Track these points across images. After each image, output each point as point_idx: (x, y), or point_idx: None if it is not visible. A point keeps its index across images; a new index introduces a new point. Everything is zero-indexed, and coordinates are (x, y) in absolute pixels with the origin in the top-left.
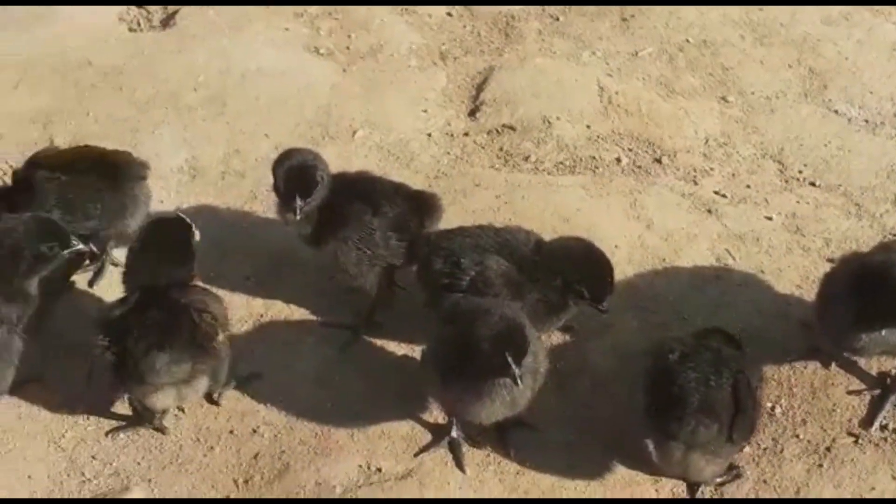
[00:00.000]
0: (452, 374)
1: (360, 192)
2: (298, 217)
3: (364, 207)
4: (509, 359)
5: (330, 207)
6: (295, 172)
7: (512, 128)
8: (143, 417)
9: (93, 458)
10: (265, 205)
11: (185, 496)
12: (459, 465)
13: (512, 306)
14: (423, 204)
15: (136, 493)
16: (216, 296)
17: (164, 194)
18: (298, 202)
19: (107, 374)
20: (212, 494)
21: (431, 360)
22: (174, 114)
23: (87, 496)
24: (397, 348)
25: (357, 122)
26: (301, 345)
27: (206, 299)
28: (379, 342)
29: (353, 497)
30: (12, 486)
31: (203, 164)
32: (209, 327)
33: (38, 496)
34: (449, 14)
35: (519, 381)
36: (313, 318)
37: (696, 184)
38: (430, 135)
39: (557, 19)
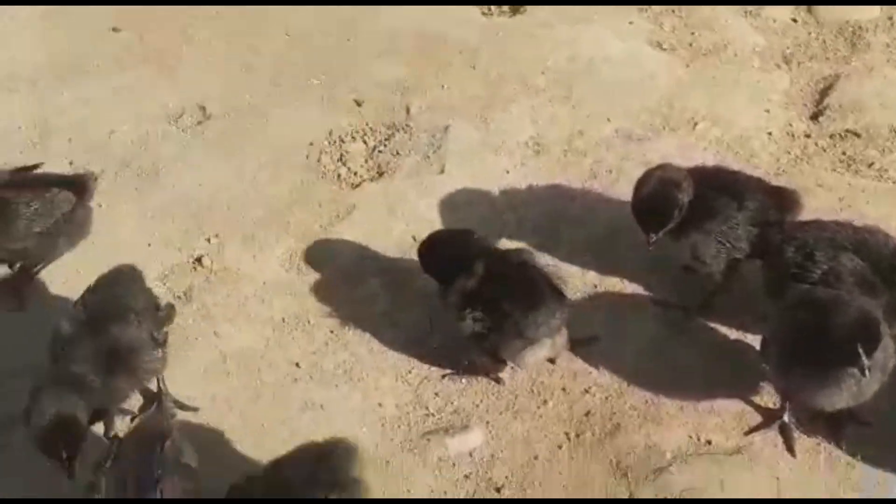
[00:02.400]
0: (798, 360)
1: (723, 185)
2: (650, 248)
3: (729, 201)
4: (860, 350)
5: (692, 201)
6: (650, 204)
7: (856, 134)
8: (482, 369)
9: (436, 395)
10: (604, 184)
11: (519, 440)
12: (790, 448)
13: (868, 301)
14: (783, 199)
15: (475, 432)
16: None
17: (510, 166)
18: (651, 237)
19: (474, 345)
20: (545, 442)
21: (774, 345)
22: (523, 93)
23: (431, 428)
24: (729, 332)
25: (699, 114)
26: (633, 317)
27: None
28: (711, 324)
29: (682, 464)
30: (364, 411)
31: (547, 141)
32: (560, 283)
33: (387, 424)
34: (794, 20)
35: (867, 373)
36: (645, 293)
37: None
38: (770, 133)
39: None
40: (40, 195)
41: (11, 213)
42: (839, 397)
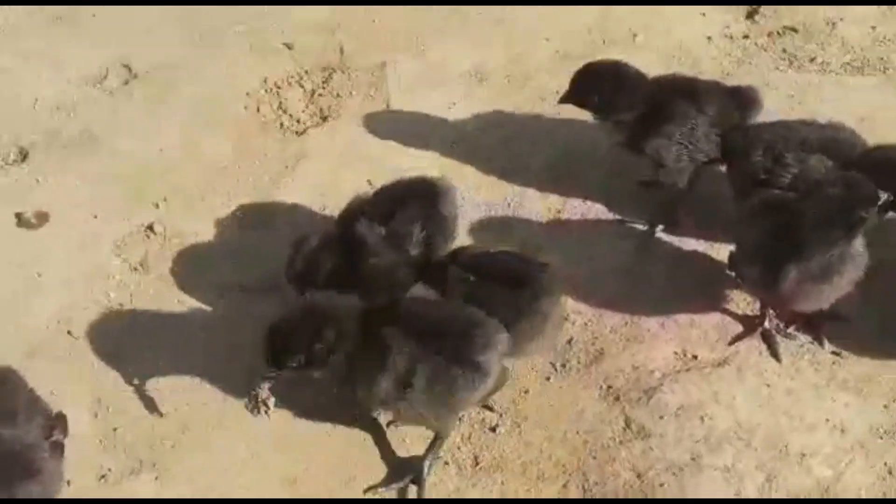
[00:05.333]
0: (782, 262)
1: (679, 90)
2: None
3: (688, 105)
4: (862, 213)
5: (650, 108)
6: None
7: (794, 30)
8: None
9: None
10: (552, 106)
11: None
12: (775, 354)
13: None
14: (742, 98)
15: None
16: None
17: (456, 97)
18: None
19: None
20: (532, 375)
21: (752, 254)
22: (457, 21)
23: None
24: (696, 244)
25: (636, 26)
26: (600, 238)
27: None
28: (677, 238)
29: (673, 382)
30: None
31: (488, 68)
32: None
33: None
34: None
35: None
36: (609, 215)
37: None
38: (709, 38)
39: None
40: None
41: None
42: (838, 288)
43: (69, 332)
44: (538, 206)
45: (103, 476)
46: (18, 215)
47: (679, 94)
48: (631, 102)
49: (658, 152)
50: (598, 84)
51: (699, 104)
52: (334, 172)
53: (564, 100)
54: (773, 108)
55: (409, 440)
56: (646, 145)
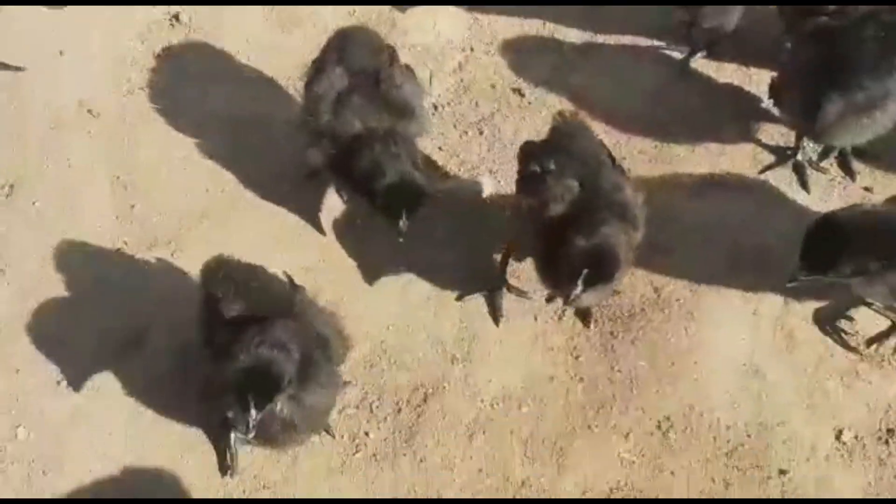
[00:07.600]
0: (826, 91)
1: None
2: None
3: None
4: None
5: None
6: None
7: None
8: None
9: None
10: None
11: None
12: (805, 186)
13: None
14: None
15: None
16: None
17: None
18: None
19: None
20: None
21: (795, 81)
22: None
23: None
24: (733, 76)
25: None
26: (635, 63)
27: None
28: (714, 66)
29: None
30: None
31: None
32: None
33: None
34: None
35: None
36: (647, 41)
37: None
38: None
39: None
40: None
41: None
42: (882, 123)
43: (89, 111)
44: (573, 32)
45: (118, 249)
46: None
47: None
48: None
49: None
50: None
51: None
52: None
53: None
54: None
55: None
56: None
